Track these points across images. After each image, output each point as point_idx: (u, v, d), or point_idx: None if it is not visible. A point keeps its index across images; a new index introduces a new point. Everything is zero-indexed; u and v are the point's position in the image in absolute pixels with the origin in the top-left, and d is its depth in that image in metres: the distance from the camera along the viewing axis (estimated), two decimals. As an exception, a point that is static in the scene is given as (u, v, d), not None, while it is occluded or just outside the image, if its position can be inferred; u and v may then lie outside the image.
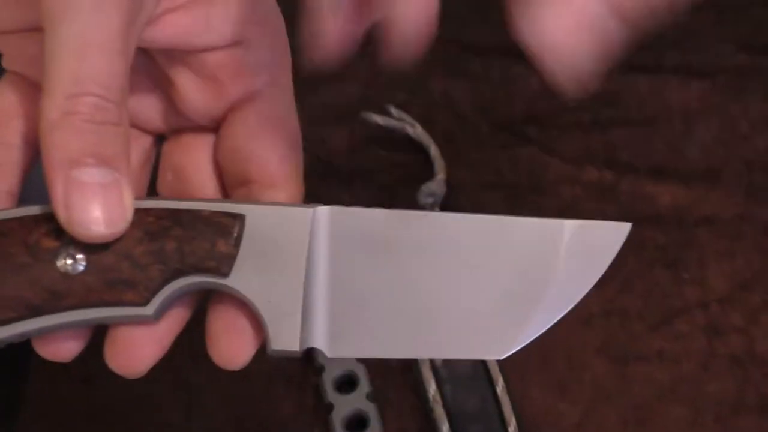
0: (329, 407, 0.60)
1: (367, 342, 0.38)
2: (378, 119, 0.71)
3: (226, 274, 0.37)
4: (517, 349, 0.39)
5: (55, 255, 0.37)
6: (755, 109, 0.70)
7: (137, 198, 0.37)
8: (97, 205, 0.35)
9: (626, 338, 0.62)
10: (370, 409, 0.60)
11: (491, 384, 0.60)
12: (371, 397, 0.60)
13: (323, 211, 0.38)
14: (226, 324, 0.39)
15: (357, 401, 0.60)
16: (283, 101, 0.42)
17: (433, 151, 0.70)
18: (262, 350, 0.63)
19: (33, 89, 0.40)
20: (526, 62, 0.75)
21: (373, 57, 0.77)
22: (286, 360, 0.63)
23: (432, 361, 0.61)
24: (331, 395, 0.60)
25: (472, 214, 0.38)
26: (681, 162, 0.69)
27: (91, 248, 0.37)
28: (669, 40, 0.75)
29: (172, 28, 0.39)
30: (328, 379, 0.61)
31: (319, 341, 0.38)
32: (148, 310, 0.38)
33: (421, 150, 0.71)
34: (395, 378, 0.62)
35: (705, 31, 0.76)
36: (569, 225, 0.38)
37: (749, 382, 0.60)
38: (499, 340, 0.39)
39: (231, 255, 0.37)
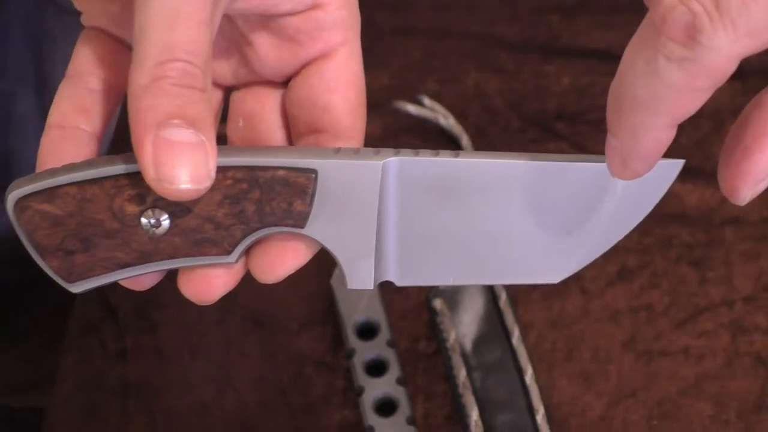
0: (359, 390, 0.61)
1: (433, 272, 0.41)
2: (411, 109, 0.72)
3: (302, 227, 0.40)
4: (572, 273, 0.41)
5: (139, 219, 0.39)
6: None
7: None
8: (184, 162, 0.36)
9: (652, 334, 0.63)
10: (400, 394, 0.61)
11: (520, 373, 0.61)
12: (401, 381, 0.61)
13: (393, 161, 0.39)
14: (281, 239, 0.41)
15: (387, 385, 0.61)
16: (354, 59, 0.44)
17: (465, 142, 0.71)
18: (294, 334, 0.64)
19: (114, 42, 0.42)
20: (557, 59, 0.77)
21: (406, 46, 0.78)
22: (316, 343, 0.64)
23: (462, 348, 0.62)
24: (362, 378, 0.61)
25: (535, 159, 0.40)
26: (709, 162, 0.70)
27: (174, 212, 0.39)
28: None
29: (256, 0, 0.41)
30: (359, 362, 0.62)
31: (391, 275, 0.41)
32: (231, 258, 0.40)
33: (453, 141, 0.72)
34: (425, 363, 0.63)
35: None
36: None
37: (772, 380, 0.61)
38: (555, 267, 0.41)
39: (306, 212, 0.39)
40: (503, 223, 0.40)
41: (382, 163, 0.39)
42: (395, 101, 0.73)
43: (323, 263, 0.66)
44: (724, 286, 0.65)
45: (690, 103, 0.34)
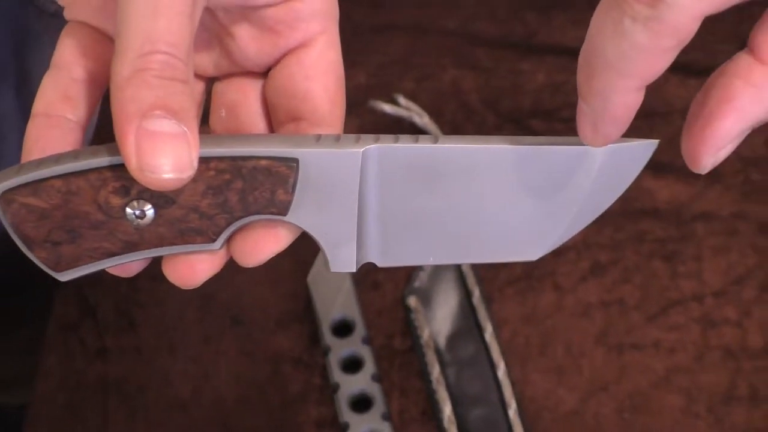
0: (335, 387, 0.62)
1: (414, 252, 0.42)
2: (386, 108, 0.73)
3: (284, 215, 0.40)
4: (550, 251, 0.42)
5: (124, 211, 0.39)
6: (754, 108, 0.72)
7: None
8: (167, 152, 0.37)
9: (624, 328, 0.64)
10: (375, 390, 0.62)
11: (492, 368, 0.62)
12: (376, 378, 0.62)
13: (373, 149, 0.40)
14: (262, 225, 0.41)
15: (362, 382, 0.62)
16: (333, 48, 0.45)
17: (441, 140, 0.72)
18: (272, 332, 0.65)
19: (97, 34, 0.43)
20: (532, 57, 0.78)
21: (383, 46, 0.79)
22: (293, 341, 0.65)
23: (436, 345, 0.63)
24: (337, 375, 0.62)
25: (513, 143, 0.40)
26: (680, 158, 0.71)
27: (158, 203, 0.39)
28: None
29: None
30: (335, 359, 0.63)
31: (372, 257, 0.42)
32: (216, 245, 0.41)
33: (429, 139, 0.72)
34: (400, 360, 0.64)
35: (705, 30, 0.78)
36: (601, 150, 0.40)
37: (741, 373, 0.62)
38: (533, 244, 0.42)
39: (289, 200, 0.40)
40: (482, 204, 0.41)
41: (362, 150, 0.40)
42: (371, 100, 0.73)
43: (300, 262, 0.67)
44: (695, 280, 0.66)
45: (656, 64, 0.35)
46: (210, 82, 0.47)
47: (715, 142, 0.36)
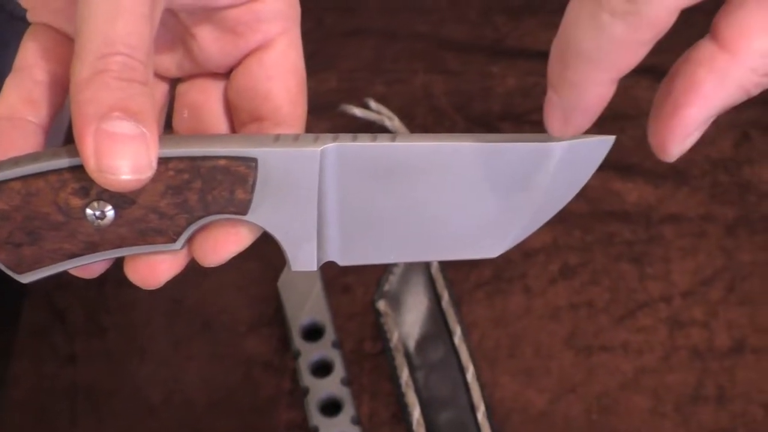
0: (305, 391, 0.62)
1: (375, 251, 0.42)
2: (357, 111, 0.73)
3: (244, 214, 0.41)
4: (509, 248, 0.42)
5: (84, 212, 0.40)
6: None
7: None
8: (125, 153, 0.37)
9: (592, 330, 0.65)
10: (345, 394, 0.62)
11: (462, 371, 0.62)
12: (346, 381, 0.62)
13: (331, 148, 0.40)
14: (223, 224, 0.42)
15: (332, 386, 0.62)
16: (293, 48, 0.45)
17: (411, 144, 0.72)
18: (242, 336, 0.65)
19: (60, 36, 0.43)
20: (503, 60, 0.78)
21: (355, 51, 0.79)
22: (263, 345, 0.65)
23: (405, 348, 0.63)
24: (307, 379, 0.62)
25: (470, 141, 0.41)
26: (649, 161, 0.71)
27: (118, 204, 0.40)
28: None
29: None
30: (304, 363, 0.63)
31: (333, 255, 0.42)
32: (177, 245, 0.41)
33: (399, 143, 0.73)
34: (371, 364, 0.64)
35: (675, 33, 0.78)
36: (559, 146, 0.40)
37: (708, 373, 0.63)
38: (493, 242, 0.42)
39: (248, 199, 0.41)
40: (442, 202, 0.41)
41: (320, 149, 0.40)
42: (342, 104, 0.74)
43: (270, 266, 0.67)
44: (663, 281, 0.66)
45: (633, 56, 0.35)
46: (173, 83, 0.47)
47: (682, 130, 0.36)
